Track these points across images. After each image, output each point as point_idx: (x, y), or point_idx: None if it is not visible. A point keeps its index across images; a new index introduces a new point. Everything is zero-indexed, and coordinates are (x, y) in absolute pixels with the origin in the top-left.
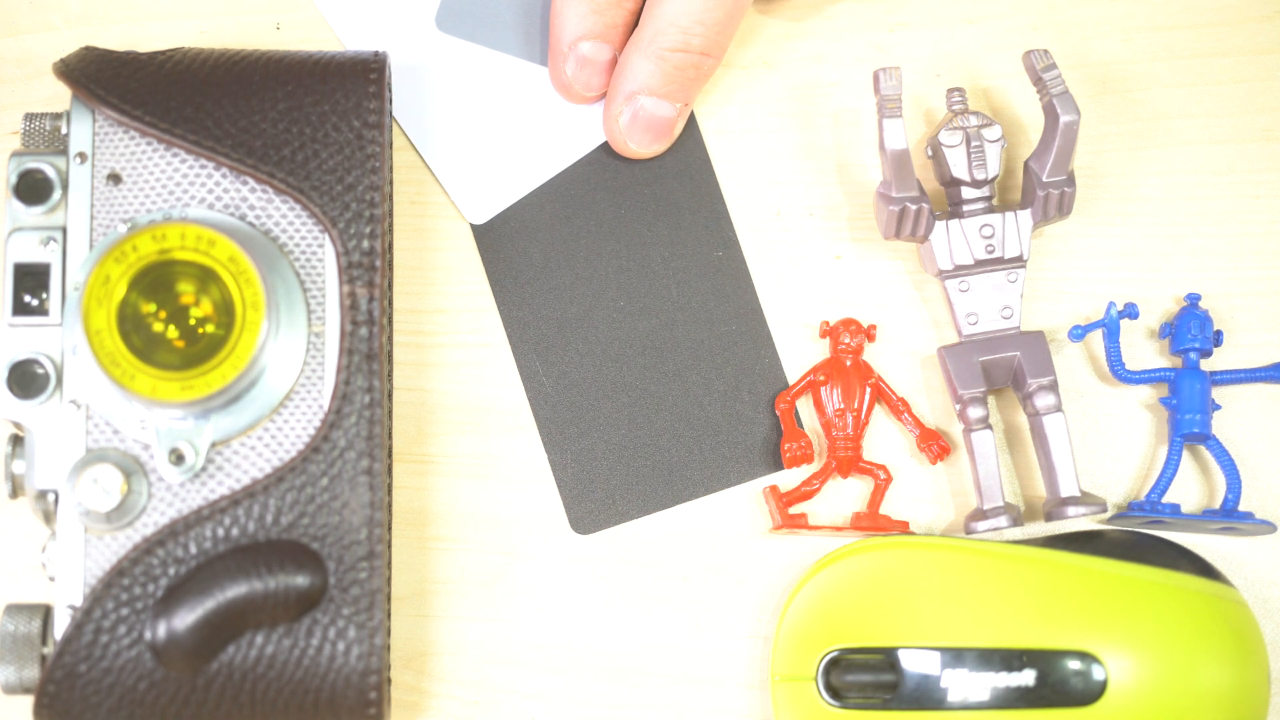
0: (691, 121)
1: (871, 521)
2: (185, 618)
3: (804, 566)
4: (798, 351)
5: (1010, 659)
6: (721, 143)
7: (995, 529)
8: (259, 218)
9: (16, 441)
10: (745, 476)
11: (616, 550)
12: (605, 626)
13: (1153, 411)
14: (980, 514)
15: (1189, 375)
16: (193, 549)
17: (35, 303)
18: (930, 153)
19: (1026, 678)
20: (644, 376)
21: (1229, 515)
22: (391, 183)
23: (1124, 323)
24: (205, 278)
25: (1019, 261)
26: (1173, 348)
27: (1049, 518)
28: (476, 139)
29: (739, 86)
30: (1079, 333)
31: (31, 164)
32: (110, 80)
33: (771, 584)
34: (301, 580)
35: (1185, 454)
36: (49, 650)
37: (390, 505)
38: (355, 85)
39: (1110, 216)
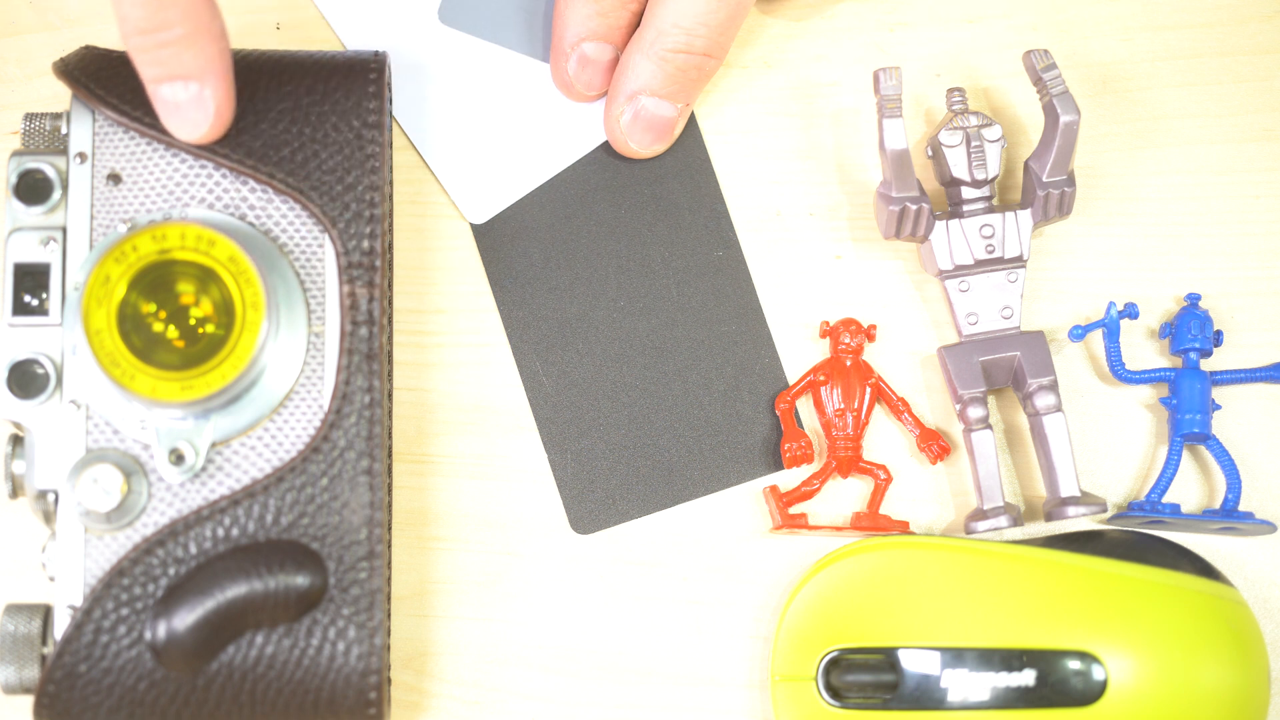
0: (691, 121)
1: (871, 521)
2: (185, 618)
3: (804, 566)
4: (798, 351)
5: (1010, 659)
6: (721, 143)
7: (995, 529)
8: (259, 218)
9: (16, 441)
10: (745, 476)
11: (616, 550)
12: (605, 626)
13: (1153, 411)
14: (980, 514)
15: (1189, 375)
16: (193, 549)
17: (35, 303)
18: (930, 153)
19: (1026, 678)
20: (644, 376)
21: (1229, 515)
22: (391, 183)
23: (1124, 323)
24: (205, 278)
25: (1019, 261)
26: (1173, 348)
27: (1049, 518)
28: (476, 138)
29: (739, 86)
30: (1079, 333)
31: (31, 164)
32: (110, 80)
33: (771, 584)
34: (301, 580)
35: (1185, 454)
36: (49, 650)
37: (390, 505)
38: (355, 85)
39: (1110, 216)
